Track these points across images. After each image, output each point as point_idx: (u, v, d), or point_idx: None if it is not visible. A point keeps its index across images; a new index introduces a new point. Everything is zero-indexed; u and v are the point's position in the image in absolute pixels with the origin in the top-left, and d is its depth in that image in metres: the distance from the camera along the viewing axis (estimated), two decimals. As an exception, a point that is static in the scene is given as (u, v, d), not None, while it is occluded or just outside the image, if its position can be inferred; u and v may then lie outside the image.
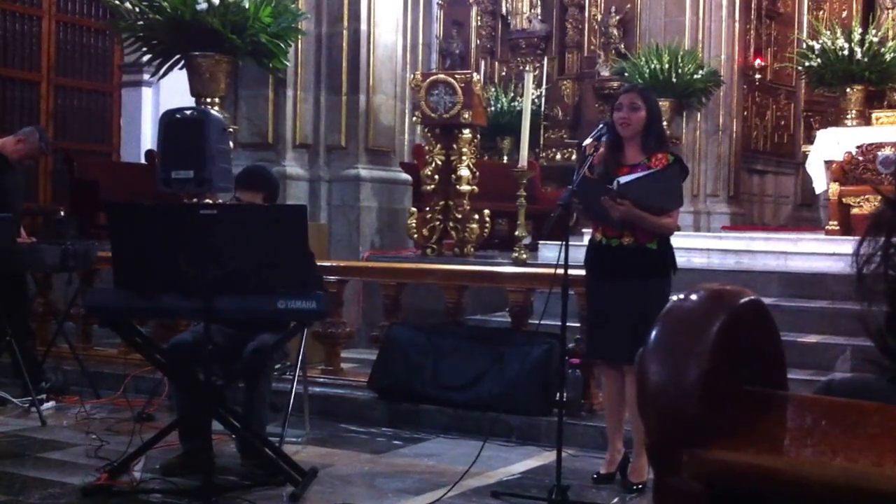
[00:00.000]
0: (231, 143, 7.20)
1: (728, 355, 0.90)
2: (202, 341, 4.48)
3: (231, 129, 7.60)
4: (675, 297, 0.96)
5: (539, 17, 14.63)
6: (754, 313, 0.99)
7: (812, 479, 0.78)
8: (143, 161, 11.58)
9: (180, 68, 7.87)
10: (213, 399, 4.49)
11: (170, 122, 6.53)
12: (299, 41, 8.46)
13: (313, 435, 5.59)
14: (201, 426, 4.53)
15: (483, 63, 14.79)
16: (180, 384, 4.86)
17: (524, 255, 8.29)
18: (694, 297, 0.96)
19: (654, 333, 0.93)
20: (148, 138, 12.78)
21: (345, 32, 8.96)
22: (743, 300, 0.97)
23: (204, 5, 7.32)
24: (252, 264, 4.34)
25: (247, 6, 7.47)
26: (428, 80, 8.80)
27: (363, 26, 8.99)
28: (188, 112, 6.66)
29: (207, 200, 6.67)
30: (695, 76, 10.81)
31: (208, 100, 7.71)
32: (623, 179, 4.56)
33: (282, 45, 7.80)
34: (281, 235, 4.44)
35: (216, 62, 7.69)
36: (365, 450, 5.40)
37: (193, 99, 7.81)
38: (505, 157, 13.33)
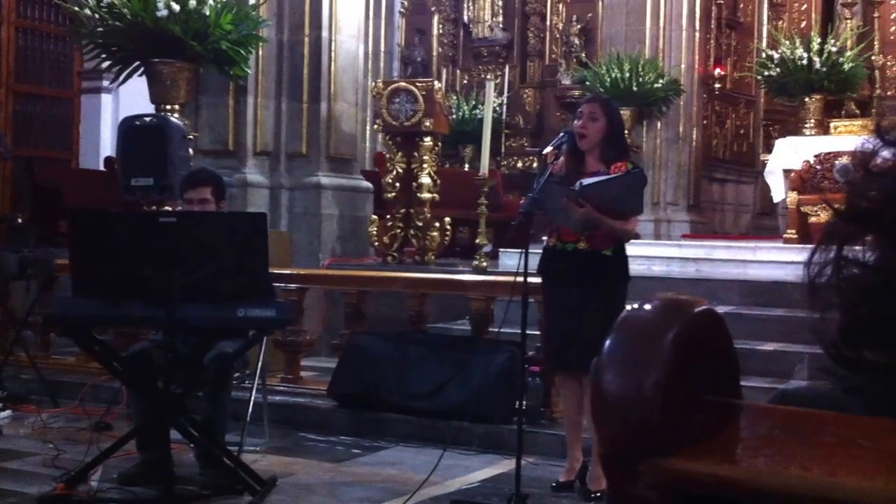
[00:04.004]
0: (191, 151, 7.15)
1: (683, 364, 0.90)
2: (162, 350, 4.44)
3: (191, 137, 7.55)
4: (630, 307, 0.96)
5: (501, 26, 14.67)
6: (709, 322, 0.99)
7: (768, 488, 0.78)
8: (102, 168, 11.48)
9: (140, 75, 7.80)
10: (171, 408, 4.45)
11: (129, 129, 6.49)
12: (260, 48, 8.42)
13: (273, 444, 5.56)
14: (160, 435, 4.49)
15: (445, 71, 14.80)
16: (139, 393, 4.82)
17: (484, 263, 8.30)
18: (649, 306, 0.96)
19: (609, 343, 0.93)
20: (108, 145, 12.66)
21: (306, 40, 8.94)
22: (698, 309, 0.97)
23: (164, 12, 7.26)
24: (212, 272, 4.31)
25: (208, 13, 7.42)
26: (389, 88, 8.81)
27: (325, 34, 8.97)
28: (147, 119, 6.62)
29: (167, 208, 6.62)
30: (655, 85, 10.87)
31: (168, 107, 7.65)
32: (586, 181, 4.59)
33: (243, 52, 7.75)
34: (241, 243, 4.42)
35: (177, 69, 7.63)
36: (325, 458, 5.38)
37: (153, 106, 7.75)
38: (467, 165, 13.34)
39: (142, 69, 7.72)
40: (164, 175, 6.28)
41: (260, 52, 8.54)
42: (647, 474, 0.85)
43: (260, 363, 5.37)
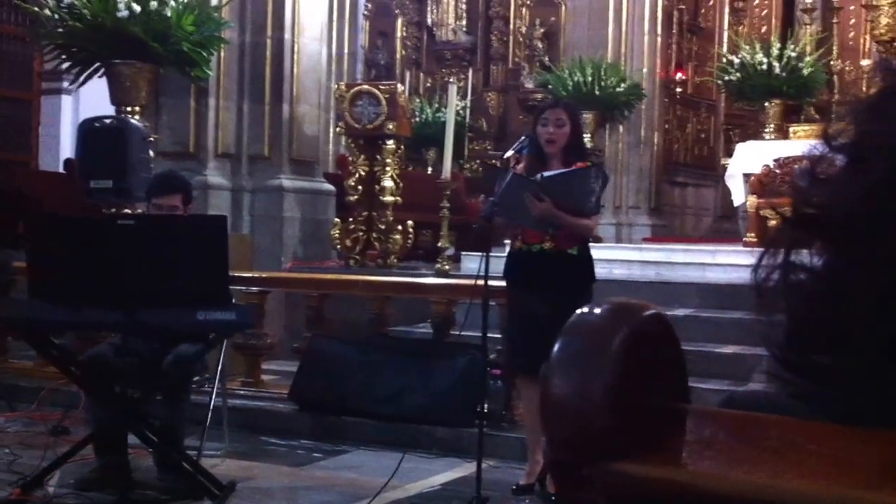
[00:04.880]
0: (152, 153, 7.10)
1: (631, 368, 0.91)
2: (121, 353, 4.41)
3: (152, 138, 7.50)
4: (578, 311, 0.97)
5: (464, 29, 14.70)
6: (657, 327, 0.99)
7: (712, 491, 0.79)
8: (62, 170, 11.37)
9: (100, 76, 7.73)
10: (129, 412, 4.41)
11: (88, 131, 6.42)
12: (222, 50, 8.38)
13: (233, 448, 5.53)
14: (117, 440, 4.45)
15: (408, 74, 14.81)
16: (96, 397, 4.77)
17: (447, 267, 8.30)
18: (597, 310, 0.97)
19: (557, 347, 0.94)
20: (68, 147, 12.54)
21: (268, 42, 8.90)
22: (646, 313, 0.97)
23: (125, 13, 7.21)
24: (171, 275, 4.28)
25: (169, 14, 7.37)
26: (352, 91, 8.79)
27: (287, 35, 8.95)
28: (107, 121, 6.56)
29: (126, 211, 6.56)
30: (617, 89, 10.93)
31: (129, 108, 7.59)
32: (547, 174, 4.61)
33: (204, 53, 7.71)
34: (200, 246, 4.39)
35: (137, 70, 7.57)
36: (285, 462, 5.36)
37: (114, 107, 7.68)
38: (430, 168, 13.35)
39: (102, 70, 7.66)
40: (124, 178, 6.23)
41: (222, 54, 8.49)
42: (596, 479, 0.85)
43: (220, 367, 5.33)
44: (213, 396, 5.33)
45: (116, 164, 6.24)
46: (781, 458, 0.84)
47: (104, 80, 7.69)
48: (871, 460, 0.81)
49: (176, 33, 7.41)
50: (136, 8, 7.20)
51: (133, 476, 4.51)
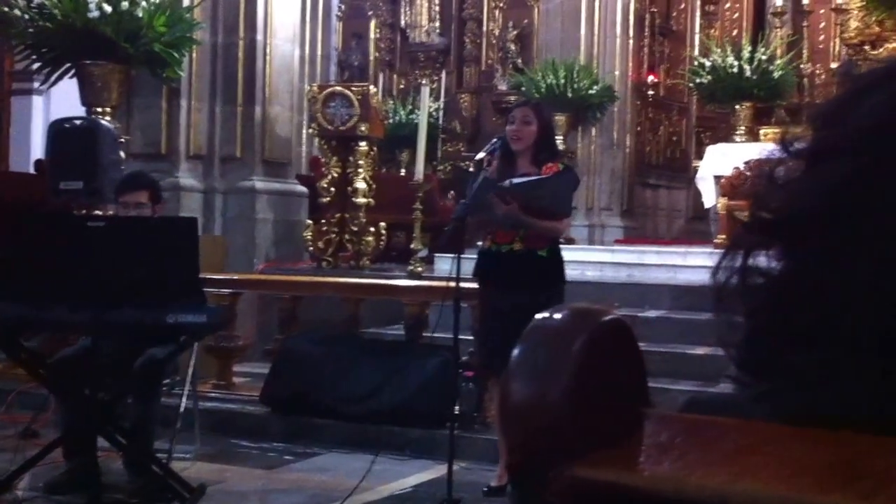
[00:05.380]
0: (123, 154, 7.06)
1: (591, 372, 0.91)
2: (89, 355, 4.38)
3: (123, 140, 7.46)
4: (538, 315, 0.97)
5: (438, 31, 14.70)
6: (617, 331, 1.00)
7: (669, 495, 0.79)
8: (32, 171, 11.27)
9: (71, 77, 7.68)
10: (99, 415, 4.38)
11: (58, 132, 6.38)
12: (194, 51, 8.34)
13: (204, 451, 5.50)
14: (87, 443, 4.42)
15: (382, 75, 14.79)
16: (65, 400, 4.74)
17: (419, 268, 8.30)
18: (557, 314, 0.97)
19: (517, 352, 0.94)
20: (39, 147, 12.44)
21: (241, 43, 8.87)
22: (606, 318, 0.98)
23: (96, 13, 7.16)
24: (141, 277, 4.26)
25: (140, 15, 7.34)
26: (325, 92, 8.78)
27: (259, 37, 8.91)
28: (78, 122, 6.52)
29: (97, 212, 6.52)
30: (590, 91, 10.97)
31: (100, 109, 7.54)
32: (516, 180, 4.62)
33: (176, 54, 7.68)
34: (171, 248, 4.37)
35: (108, 71, 7.53)
36: (257, 465, 5.34)
37: (84, 108, 7.64)
38: (403, 170, 13.34)
39: (73, 71, 7.61)
40: (94, 179, 6.19)
41: (194, 55, 8.45)
42: (553, 483, 0.86)
43: (191, 369, 5.31)
44: (184, 398, 5.30)
45: (87, 166, 6.21)
46: (738, 461, 0.84)
47: (75, 81, 7.65)
48: (826, 462, 0.81)
49: (147, 34, 7.37)
50: (107, 8, 7.15)
51: (102, 479, 4.48)
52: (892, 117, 0.81)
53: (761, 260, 0.91)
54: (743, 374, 0.98)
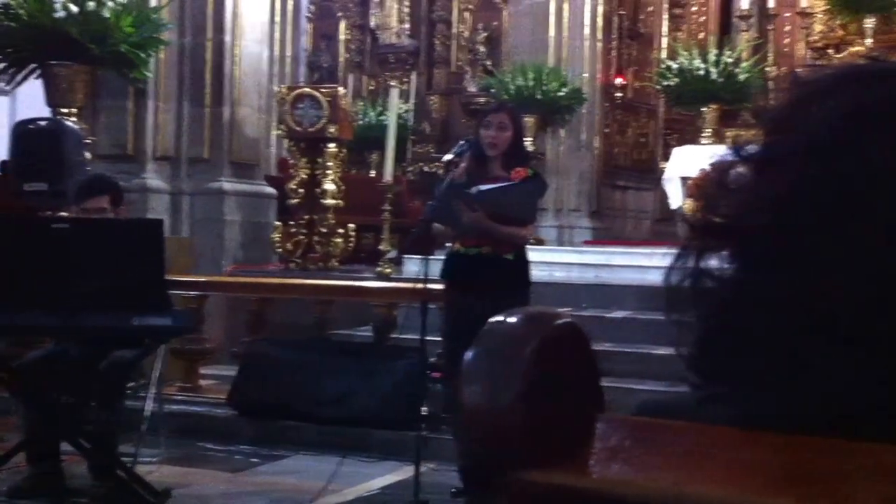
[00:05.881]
0: (89, 155, 7.01)
1: (543, 376, 0.92)
2: (54, 359, 4.34)
3: (89, 141, 7.40)
4: (491, 320, 0.97)
5: (407, 33, 14.69)
6: (570, 334, 1.00)
7: (618, 498, 0.80)
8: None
9: (37, 77, 7.62)
10: (63, 419, 4.35)
11: (23, 133, 6.33)
12: (161, 52, 8.29)
13: (169, 454, 5.47)
14: (50, 447, 4.39)
15: (352, 77, 14.76)
16: (29, 404, 4.69)
17: (388, 270, 8.29)
18: (510, 318, 0.97)
19: (469, 356, 0.94)
20: (2, 149, 12.30)
21: (209, 44, 8.83)
22: (558, 322, 0.98)
23: (62, 13, 7.11)
24: (106, 280, 4.22)
25: (107, 15, 7.29)
26: (293, 94, 8.76)
27: (227, 38, 8.88)
28: (42, 123, 6.47)
29: (62, 214, 6.47)
30: (559, 93, 10.99)
31: (66, 110, 7.49)
32: (483, 187, 4.63)
33: (143, 55, 7.63)
34: (136, 250, 4.34)
35: (74, 72, 7.47)
36: (223, 468, 5.32)
37: (50, 109, 7.57)
38: (373, 171, 13.32)
39: (38, 71, 7.54)
40: (59, 180, 6.14)
41: (161, 56, 8.40)
42: (505, 487, 0.86)
43: (156, 372, 5.28)
44: (150, 402, 5.27)
45: (52, 167, 6.16)
46: (686, 464, 0.85)
47: (41, 82, 7.58)
48: (774, 465, 0.82)
49: (114, 35, 7.32)
50: (74, 9, 7.10)
51: (67, 484, 4.44)
52: (839, 126, 0.82)
53: (713, 263, 0.92)
54: (694, 376, 0.99)
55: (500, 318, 0.97)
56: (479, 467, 0.89)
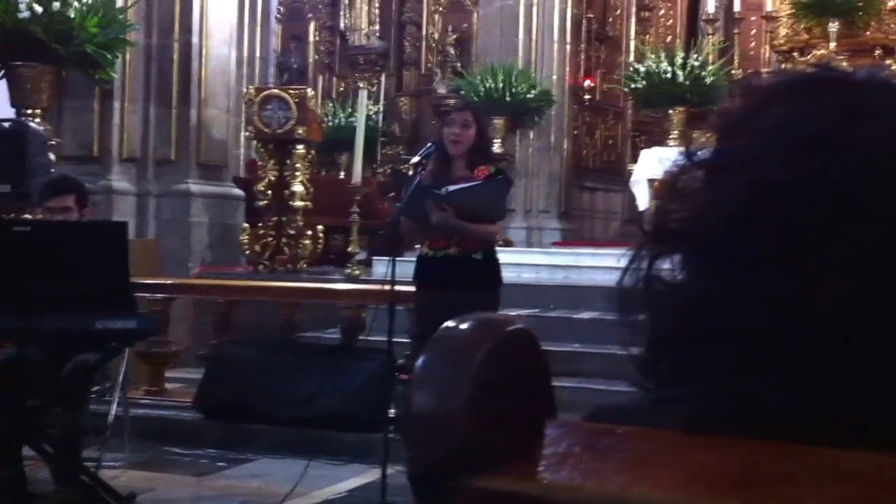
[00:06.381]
0: (53, 156, 6.95)
1: (494, 383, 0.91)
2: (16, 363, 4.30)
3: (53, 142, 7.34)
4: (443, 325, 0.97)
5: (377, 34, 14.68)
6: (521, 341, 1.00)
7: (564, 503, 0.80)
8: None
9: (0, 78, 7.55)
10: (25, 423, 4.31)
11: (-15, 134, 6.26)
12: (128, 52, 8.24)
13: (134, 458, 5.43)
14: (13, 452, 4.34)
15: (321, 78, 14.74)
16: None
17: (357, 271, 8.28)
18: (461, 324, 0.97)
19: (419, 363, 0.94)
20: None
21: (176, 44, 8.78)
22: (510, 328, 0.98)
23: (27, 13, 7.05)
24: (70, 282, 4.19)
25: (72, 15, 7.23)
26: (261, 95, 8.74)
27: (195, 39, 8.83)
28: (5, 124, 6.41)
29: (26, 216, 6.41)
30: (528, 95, 11.02)
31: (30, 111, 7.42)
32: (452, 188, 4.65)
33: (109, 55, 7.57)
34: (100, 253, 4.31)
35: (39, 72, 7.40)
36: (189, 472, 5.29)
37: (14, 110, 7.50)
38: (343, 173, 13.30)
39: (2, 72, 7.47)
40: (22, 182, 6.09)
41: (127, 57, 8.35)
42: (454, 494, 0.86)
43: (121, 376, 5.24)
44: (114, 405, 5.23)
45: (14, 168, 6.11)
46: (633, 469, 0.85)
47: (4, 82, 7.51)
48: (720, 468, 0.82)
49: (79, 35, 7.26)
50: (38, 9, 7.04)
51: (30, 489, 4.40)
52: (788, 133, 0.82)
53: (667, 266, 0.92)
54: (646, 379, 0.99)
55: (451, 323, 0.97)
56: (427, 474, 0.89)
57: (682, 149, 0.96)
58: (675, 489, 0.80)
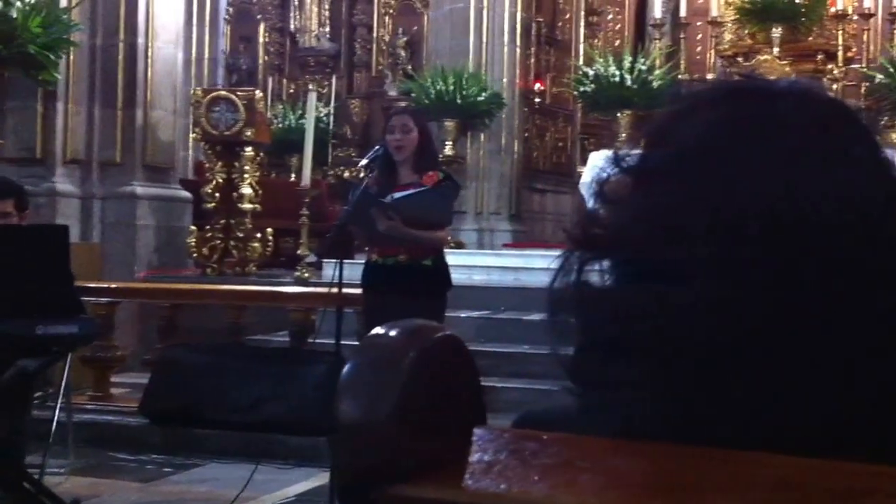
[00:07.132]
0: (-6, 159, 6.85)
1: (421, 390, 0.91)
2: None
3: (-5, 144, 7.24)
4: (370, 333, 0.97)
5: (328, 36, 14.63)
6: (450, 348, 1.00)
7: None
8: None
9: (-61, 78, 7.43)
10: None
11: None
12: (72, 53, 8.14)
13: (79, 465, 5.37)
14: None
15: (271, 79, 14.66)
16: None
17: (307, 274, 8.25)
18: (390, 332, 0.97)
19: (346, 370, 0.93)
20: None
21: (121, 45, 8.68)
22: (437, 335, 0.98)
23: (-32, 13, 6.94)
24: (9, 287, 4.13)
25: (15, 15, 7.13)
26: (209, 97, 8.67)
27: (140, 39, 8.74)
28: (-54, 125, 6.29)
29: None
30: (478, 98, 11.04)
31: (-29, 112, 7.31)
32: (398, 195, 4.64)
33: (52, 56, 7.48)
34: (41, 257, 4.25)
35: (-20, 73, 7.31)
36: (134, 478, 5.23)
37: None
38: (293, 175, 13.24)
39: (-59, 72, 7.36)
40: (-38, 184, 5.97)
41: (71, 57, 8.24)
42: (379, 502, 0.85)
43: (64, 381, 5.17)
44: (57, 411, 5.16)
45: (-45, 171, 5.99)
46: (556, 475, 0.85)
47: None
48: (641, 474, 0.83)
49: (22, 35, 7.17)
50: (-21, 9, 6.94)
51: (-31, 497, 4.32)
52: (711, 141, 0.83)
53: (595, 272, 0.92)
54: (574, 384, 0.99)
55: (379, 330, 0.97)
56: (352, 483, 0.89)
57: (610, 154, 0.96)
58: (601, 495, 0.80)
